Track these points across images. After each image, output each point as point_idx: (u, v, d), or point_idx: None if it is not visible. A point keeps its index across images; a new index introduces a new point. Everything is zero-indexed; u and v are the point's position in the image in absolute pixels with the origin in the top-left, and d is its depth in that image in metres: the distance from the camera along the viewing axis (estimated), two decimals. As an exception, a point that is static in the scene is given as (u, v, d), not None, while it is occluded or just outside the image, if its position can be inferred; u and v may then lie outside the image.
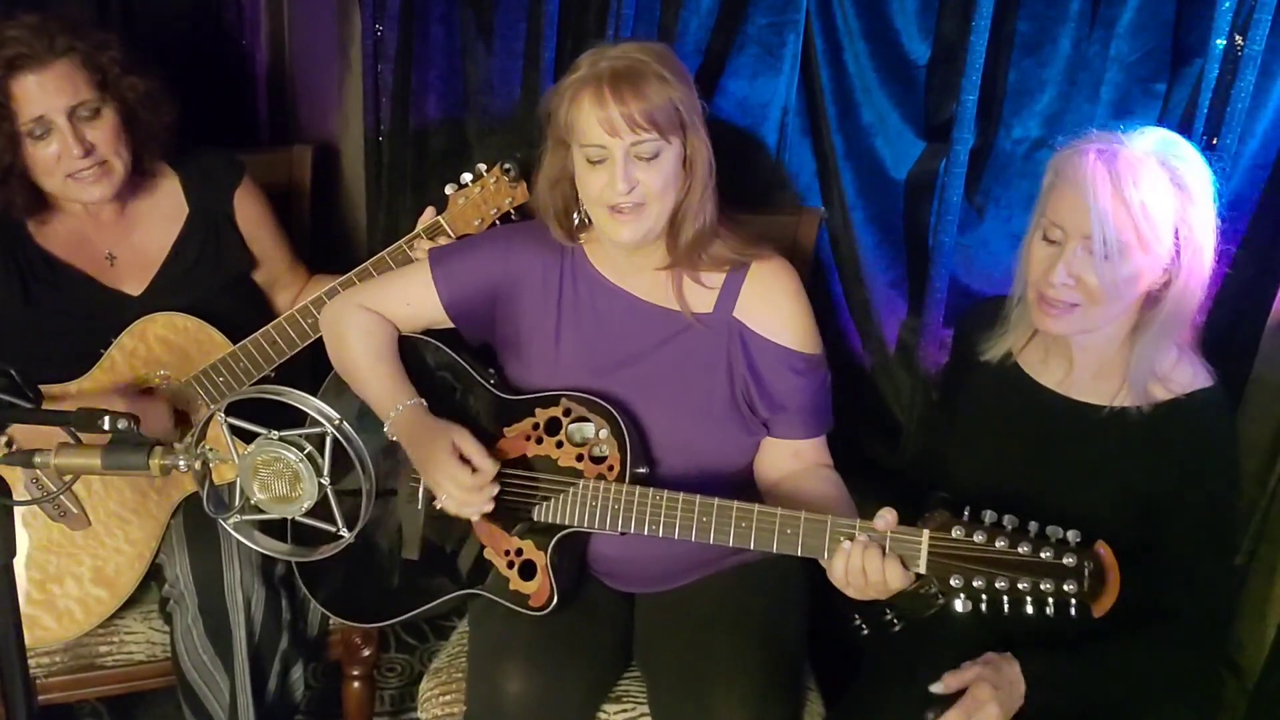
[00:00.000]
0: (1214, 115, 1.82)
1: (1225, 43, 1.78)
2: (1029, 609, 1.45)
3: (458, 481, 1.67)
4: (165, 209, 2.00)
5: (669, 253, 1.73)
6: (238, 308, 2.00)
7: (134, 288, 1.97)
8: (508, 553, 1.72)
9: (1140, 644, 1.62)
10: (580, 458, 1.69)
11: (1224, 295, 1.90)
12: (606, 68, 1.61)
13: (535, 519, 1.69)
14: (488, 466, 1.68)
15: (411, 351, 1.84)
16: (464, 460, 1.68)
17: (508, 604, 1.71)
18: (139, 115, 1.87)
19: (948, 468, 1.83)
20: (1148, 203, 1.50)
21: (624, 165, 1.61)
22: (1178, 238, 1.52)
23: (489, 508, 1.69)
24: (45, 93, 1.76)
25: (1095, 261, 1.52)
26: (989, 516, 1.47)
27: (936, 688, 1.65)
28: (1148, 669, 1.64)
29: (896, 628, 1.79)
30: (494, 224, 2.00)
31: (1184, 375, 1.62)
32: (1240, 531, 1.90)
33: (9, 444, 1.69)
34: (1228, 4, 1.76)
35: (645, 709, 1.77)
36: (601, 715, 1.78)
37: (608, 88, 1.59)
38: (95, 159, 1.81)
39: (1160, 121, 1.90)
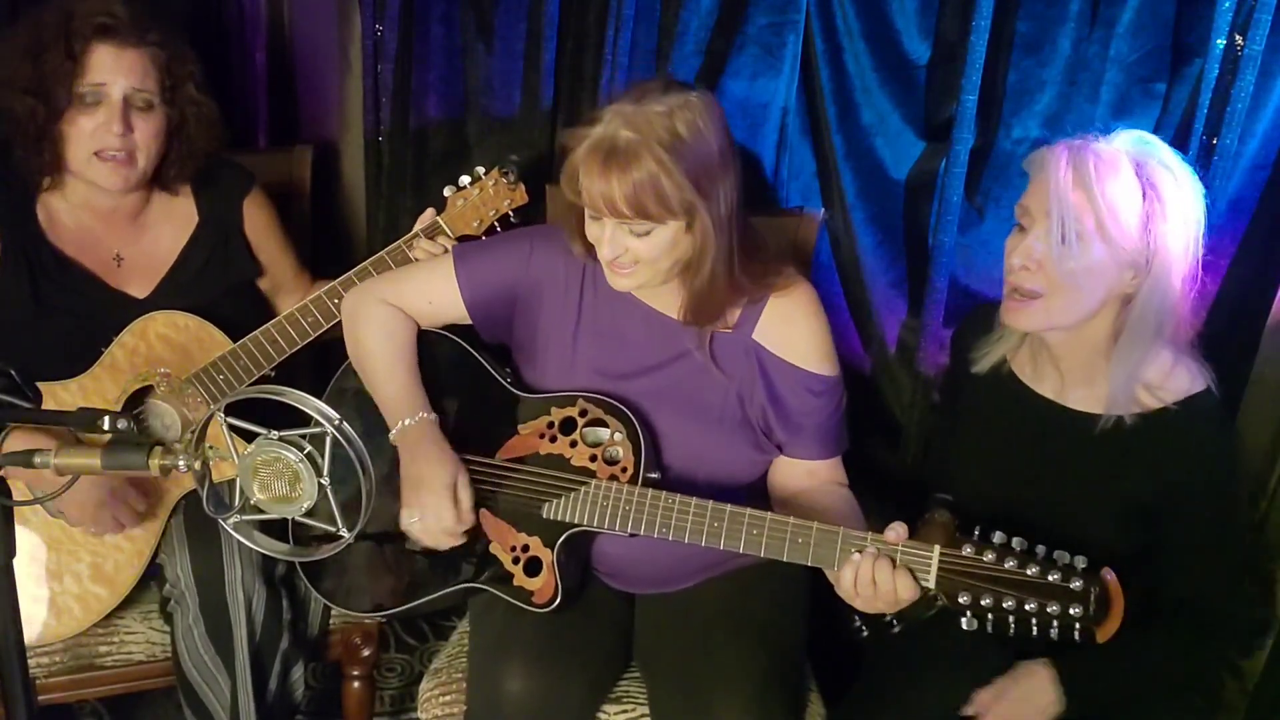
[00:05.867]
0: (1214, 115, 1.83)
1: (1225, 43, 1.79)
2: (1034, 631, 1.46)
3: (441, 519, 1.68)
4: (176, 215, 2.01)
5: (683, 307, 1.72)
6: (241, 313, 2.01)
7: (140, 290, 1.97)
8: (514, 548, 1.72)
9: (1172, 639, 1.64)
10: (594, 458, 1.69)
11: (1224, 295, 1.91)
12: (610, 140, 1.56)
13: (544, 516, 1.70)
14: (468, 520, 1.71)
15: (429, 345, 1.85)
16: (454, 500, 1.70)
17: (511, 599, 1.72)
18: (188, 130, 1.92)
19: (949, 473, 1.83)
20: (1109, 193, 1.50)
21: (612, 233, 1.61)
22: (1146, 238, 1.52)
23: (449, 545, 1.71)
24: (117, 67, 1.81)
25: (1054, 246, 1.52)
26: (998, 536, 1.48)
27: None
28: (1179, 664, 1.66)
29: (896, 629, 1.79)
30: (493, 225, 2.01)
31: (1178, 382, 1.61)
32: (1248, 526, 1.89)
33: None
34: (1228, 4, 1.76)
35: (645, 709, 1.77)
36: (601, 715, 1.78)
37: (600, 165, 1.56)
38: (126, 145, 1.84)
39: (1160, 121, 1.91)
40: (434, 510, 1.69)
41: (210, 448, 1.34)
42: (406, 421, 1.74)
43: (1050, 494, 1.69)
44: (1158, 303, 1.55)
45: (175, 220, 2.01)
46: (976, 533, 1.49)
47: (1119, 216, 1.51)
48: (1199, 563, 1.63)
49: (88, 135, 1.83)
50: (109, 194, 1.90)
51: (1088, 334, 1.61)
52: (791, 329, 1.75)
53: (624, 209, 1.56)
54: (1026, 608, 1.44)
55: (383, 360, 1.81)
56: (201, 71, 1.91)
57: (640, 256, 1.62)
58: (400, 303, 1.84)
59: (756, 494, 1.82)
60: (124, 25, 1.81)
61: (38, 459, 1.30)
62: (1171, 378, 1.61)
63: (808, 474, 1.80)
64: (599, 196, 1.57)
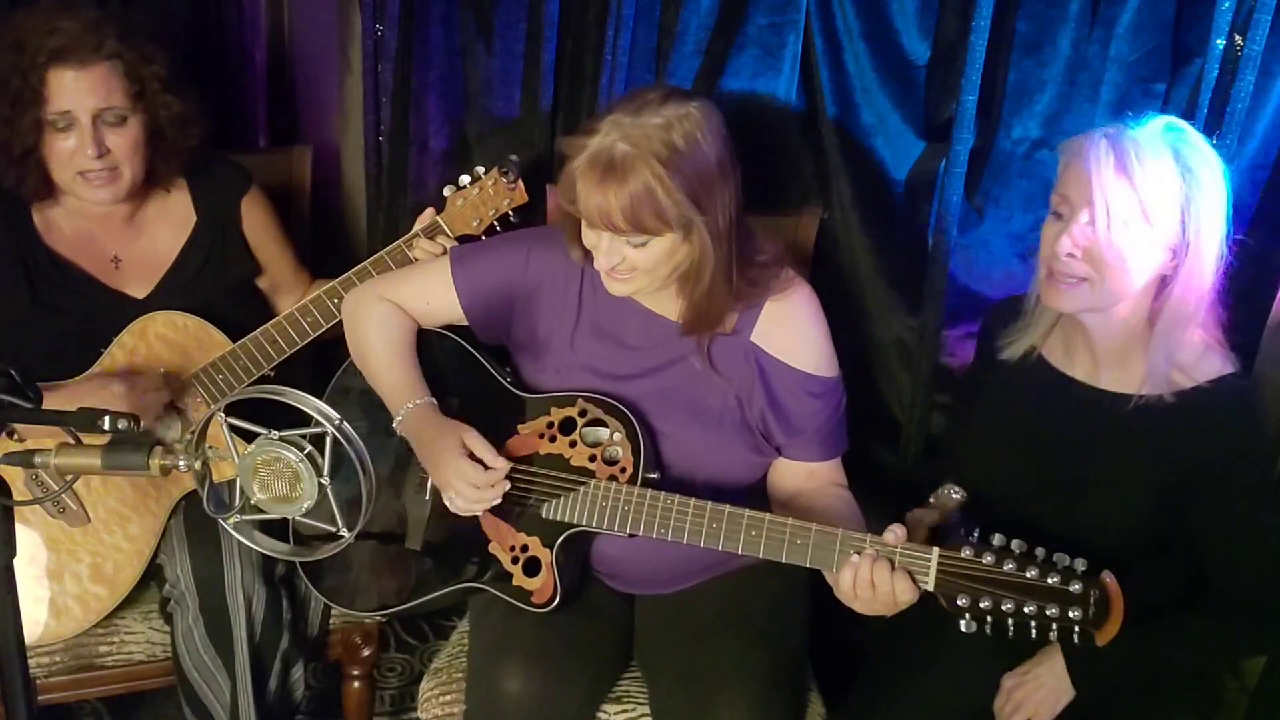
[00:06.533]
0: (1214, 115, 1.83)
1: (1225, 43, 1.79)
2: (1033, 634, 1.46)
3: (467, 479, 1.67)
4: (173, 215, 2.00)
5: (682, 316, 1.72)
6: (240, 312, 2.01)
7: (139, 291, 1.97)
8: (513, 548, 1.72)
9: (1191, 625, 1.64)
10: (593, 458, 1.69)
11: (1224, 295, 1.91)
12: (606, 153, 1.54)
13: (543, 516, 1.70)
14: (499, 464, 1.68)
15: (430, 345, 1.85)
16: (473, 459, 1.68)
17: (510, 599, 1.72)
18: (165, 133, 1.88)
19: (965, 465, 1.83)
20: (1149, 178, 1.52)
21: (609, 243, 1.61)
22: (1184, 221, 1.54)
23: (497, 501, 1.70)
24: (79, 91, 1.77)
25: (1098, 232, 1.54)
26: (997, 539, 1.48)
27: None
28: (1200, 649, 1.66)
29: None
30: (492, 225, 2.01)
31: (1209, 365, 1.63)
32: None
33: (11, 435, 1.71)
34: (1228, 4, 1.76)
35: (646, 709, 1.77)
36: (601, 715, 1.78)
37: (596, 179, 1.55)
38: (107, 163, 1.82)
39: (1159, 121, 1.91)
40: (457, 478, 1.67)
41: (210, 448, 1.34)
42: (407, 407, 1.75)
43: (1077, 479, 1.69)
44: (1196, 284, 1.58)
45: (173, 220, 2.00)
46: (975, 535, 1.49)
47: (1161, 201, 1.53)
48: (1234, 545, 1.63)
49: (67, 159, 1.81)
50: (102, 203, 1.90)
51: (1124, 316, 1.63)
52: (790, 331, 1.75)
53: (620, 222, 1.56)
54: (1025, 610, 1.44)
55: (382, 352, 1.81)
56: (166, 62, 1.85)
57: (637, 266, 1.62)
58: (399, 302, 1.85)
59: (755, 495, 1.82)
60: (77, 43, 1.76)
61: (38, 459, 1.30)
62: (1204, 359, 1.63)
63: (807, 475, 1.80)
64: (594, 209, 1.56)
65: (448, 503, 1.72)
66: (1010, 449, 1.77)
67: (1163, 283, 1.59)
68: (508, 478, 1.71)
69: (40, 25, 1.76)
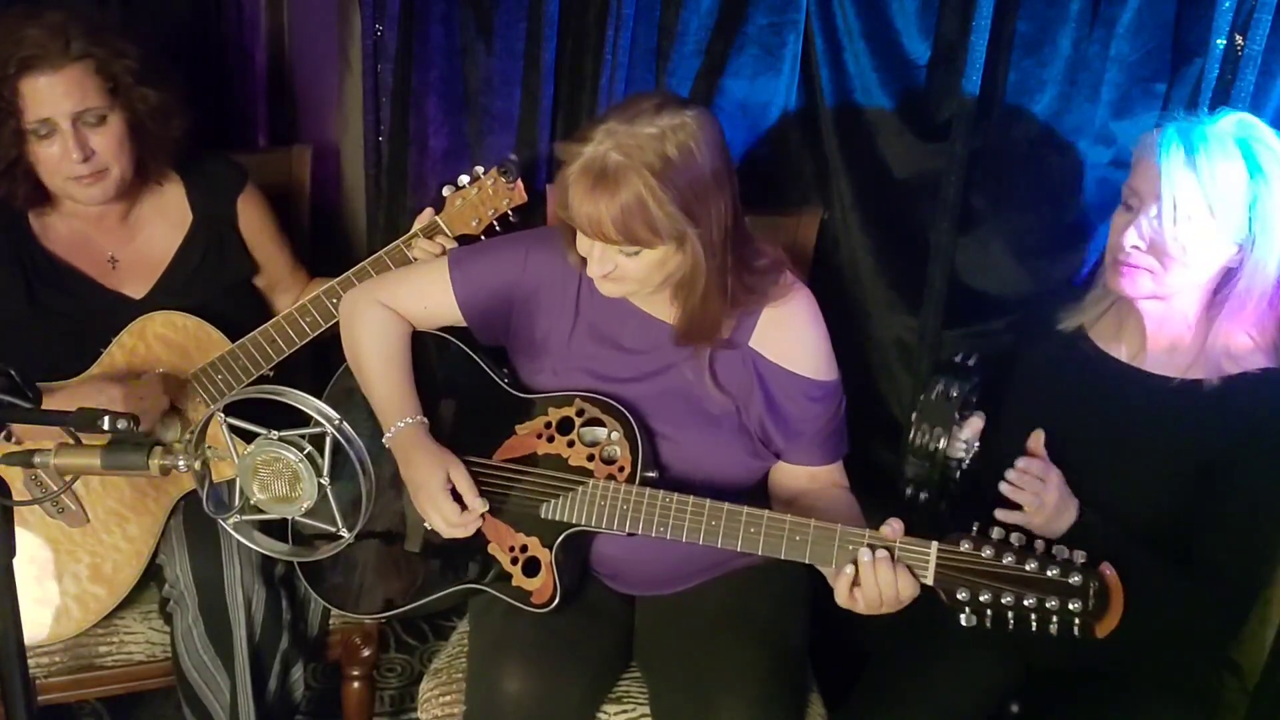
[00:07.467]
0: (1214, 115, 1.82)
1: (1225, 43, 1.79)
2: (1033, 626, 1.46)
3: (444, 516, 1.69)
4: (169, 215, 2.00)
5: (677, 328, 1.71)
6: (238, 311, 2.01)
7: (136, 291, 1.97)
8: (512, 549, 1.72)
9: (1179, 581, 1.64)
10: (591, 458, 1.69)
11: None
12: (599, 162, 1.53)
13: (542, 516, 1.70)
14: (476, 506, 1.70)
15: (428, 346, 1.85)
16: (455, 492, 1.70)
17: (510, 600, 1.72)
18: (146, 126, 1.87)
19: (998, 439, 1.82)
20: (1218, 173, 1.54)
21: (602, 251, 1.60)
22: (1251, 217, 1.56)
23: (469, 534, 1.72)
24: (53, 96, 1.76)
25: (1164, 225, 1.56)
26: (996, 532, 1.48)
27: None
28: (1174, 602, 1.65)
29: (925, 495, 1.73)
30: (491, 225, 2.00)
31: (1257, 357, 1.65)
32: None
33: (8, 438, 1.71)
34: (1228, 4, 1.76)
35: (646, 709, 1.77)
36: (601, 716, 1.78)
37: (587, 188, 1.54)
38: (94, 165, 1.81)
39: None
40: (435, 513, 1.70)
41: (210, 448, 1.34)
42: (398, 425, 1.75)
43: (1112, 451, 1.69)
44: (1260, 279, 1.60)
45: (169, 219, 2.00)
46: (975, 528, 1.49)
47: (1228, 197, 1.55)
48: (1246, 524, 1.63)
49: (54, 166, 1.80)
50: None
51: (1182, 305, 1.65)
52: (789, 336, 1.74)
53: (610, 233, 1.55)
54: (1025, 603, 1.44)
55: (376, 363, 1.81)
56: (138, 55, 1.83)
57: (628, 274, 1.62)
58: (396, 305, 1.84)
59: (754, 497, 1.81)
60: (44, 49, 1.74)
61: (37, 459, 1.30)
62: (1256, 351, 1.65)
63: (809, 477, 1.80)
64: (585, 219, 1.56)
65: (428, 524, 1.74)
66: (1042, 422, 1.77)
67: (1227, 274, 1.62)
68: (507, 479, 1.71)
69: (4, 36, 1.75)
